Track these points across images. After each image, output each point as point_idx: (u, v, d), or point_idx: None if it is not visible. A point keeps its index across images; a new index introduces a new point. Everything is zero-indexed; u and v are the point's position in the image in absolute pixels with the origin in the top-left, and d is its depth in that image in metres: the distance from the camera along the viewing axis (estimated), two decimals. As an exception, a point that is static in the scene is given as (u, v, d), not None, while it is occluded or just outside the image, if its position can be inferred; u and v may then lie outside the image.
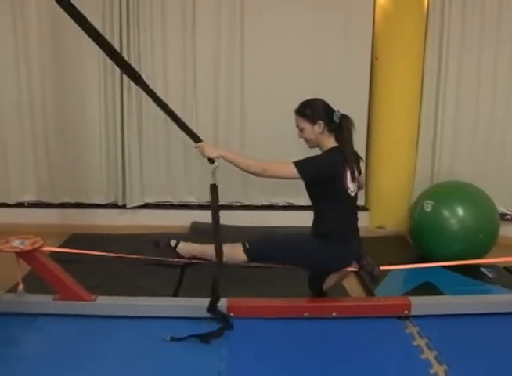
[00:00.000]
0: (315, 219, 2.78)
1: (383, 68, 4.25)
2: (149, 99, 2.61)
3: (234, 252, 2.74)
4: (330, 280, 2.91)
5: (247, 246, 2.75)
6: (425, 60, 4.21)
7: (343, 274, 2.93)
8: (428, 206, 3.63)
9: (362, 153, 4.38)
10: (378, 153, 4.38)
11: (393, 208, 4.36)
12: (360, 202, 4.47)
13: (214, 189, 2.69)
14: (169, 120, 2.74)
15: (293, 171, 2.56)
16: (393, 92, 4.24)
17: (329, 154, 2.69)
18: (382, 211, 4.45)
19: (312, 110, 2.69)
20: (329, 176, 2.63)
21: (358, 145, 4.30)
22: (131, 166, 4.33)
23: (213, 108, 4.34)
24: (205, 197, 4.36)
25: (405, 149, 4.35)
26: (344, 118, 2.71)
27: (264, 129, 4.28)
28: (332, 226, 2.71)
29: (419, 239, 3.80)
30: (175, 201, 4.52)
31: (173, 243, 2.90)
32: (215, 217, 2.66)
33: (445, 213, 3.55)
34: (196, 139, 2.74)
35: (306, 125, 2.70)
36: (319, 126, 2.68)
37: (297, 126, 2.75)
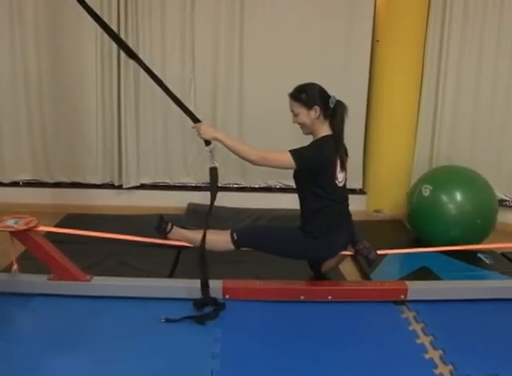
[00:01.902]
0: (301, 213, 2.75)
1: (383, 51, 4.19)
2: (147, 78, 2.57)
3: (222, 241, 2.74)
4: (328, 264, 2.91)
5: (235, 237, 2.73)
6: (426, 44, 4.16)
7: (340, 258, 2.93)
8: (426, 191, 3.61)
9: (360, 136, 4.38)
10: (377, 137, 4.34)
11: (391, 192, 4.34)
12: (358, 185, 4.47)
13: (213, 171, 2.68)
14: (166, 100, 2.70)
15: (290, 160, 2.52)
16: (393, 75, 4.18)
17: (323, 143, 2.63)
18: (380, 194, 4.43)
19: (308, 95, 2.63)
20: (322, 167, 2.61)
21: (357, 128, 4.34)
22: (128, 146, 4.28)
23: (211, 90, 4.28)
24: (202, 179, 4.35)
25: (404, 132, 4.31)
26: (339, 104, 2.65)
27: (262, 112, 4.24)
28: (318, 223, 2.68)
29: (416, 223, 3.79)
30: (172, 182, 4.48)
31: (168, 228, 2.86)
32: (213, 200, 2.64)
33: (443, 198, 3.53)
34: (194, 119, 2.71)
35: (301, 110, 2.64)
36: (315, 111, 2.62)
37: (292, 111, 2.69)
